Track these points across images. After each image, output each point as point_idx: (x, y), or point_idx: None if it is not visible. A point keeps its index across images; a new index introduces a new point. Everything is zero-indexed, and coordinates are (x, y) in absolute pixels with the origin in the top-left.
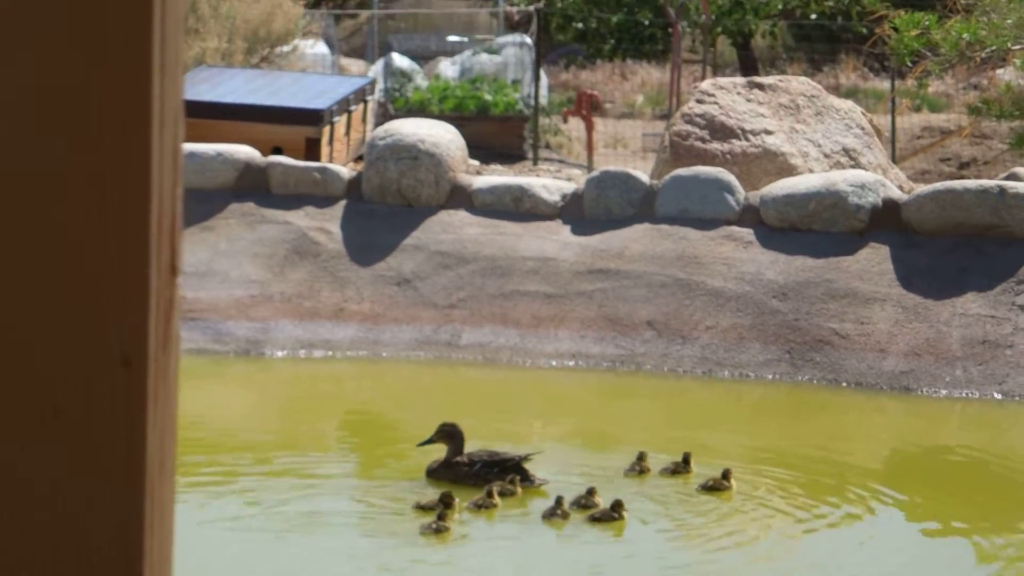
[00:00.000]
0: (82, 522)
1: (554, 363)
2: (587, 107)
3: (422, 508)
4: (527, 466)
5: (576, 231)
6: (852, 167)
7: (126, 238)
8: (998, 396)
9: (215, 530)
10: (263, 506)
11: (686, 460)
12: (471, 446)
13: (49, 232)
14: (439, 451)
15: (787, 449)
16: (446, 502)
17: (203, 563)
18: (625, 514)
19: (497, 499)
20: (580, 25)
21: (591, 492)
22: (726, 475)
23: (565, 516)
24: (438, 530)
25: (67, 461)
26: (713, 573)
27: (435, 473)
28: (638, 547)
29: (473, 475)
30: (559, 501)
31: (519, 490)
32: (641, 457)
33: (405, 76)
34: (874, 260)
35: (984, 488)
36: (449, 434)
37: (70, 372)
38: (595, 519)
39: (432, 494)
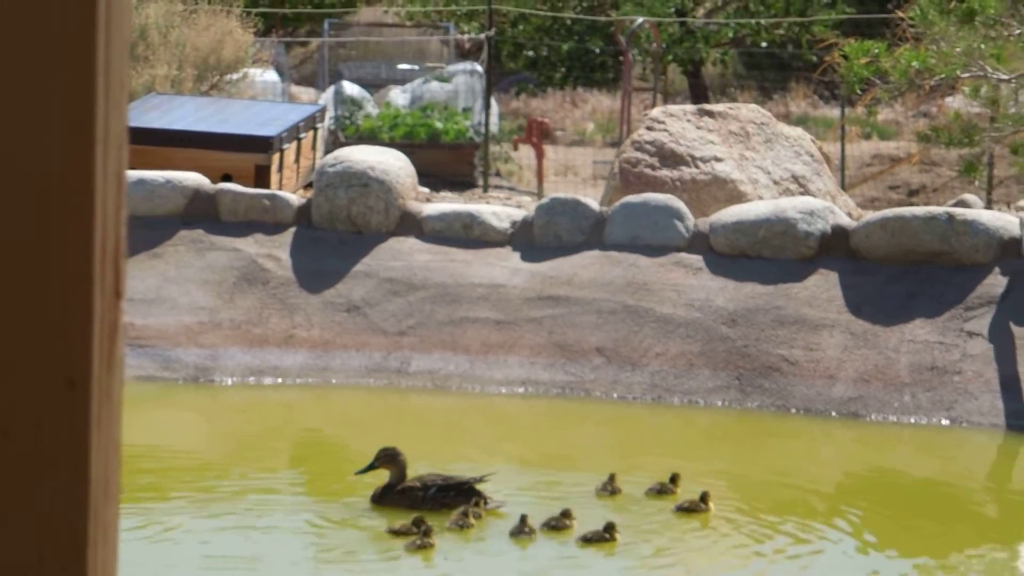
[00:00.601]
0: (26, 542)
1: (504, 390)
2: (537, 135)
3: (396, 533)
4: (482, 488)
5: (526, 258)
6: (801, 194)
7: (70, 261)
8: (946, 422)
9: (165, 553)
10: (215, 530)
11: (673, 480)
12: (420, 470)
13: None
14: (379, 478)
15: (737, 475)
16: (418, 524)
17: None
18: (618, 536)
19: (473, 520)
20: (531, 53)
21: (565, 514)
22: (704, 498)
23: (531, 533)
24: (422, 546)
25: (12, 482)
26: None
27: (385, 499)
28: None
29: (430, 499)
30: (523, 519)
31: (483, 512)
32: (612, 479)
33: (355, 104)
34: (823, 287)
35: (933, 514)
36: (390, 458)
37: (15, 394)
38: (587, 540)
39: (391, 518)
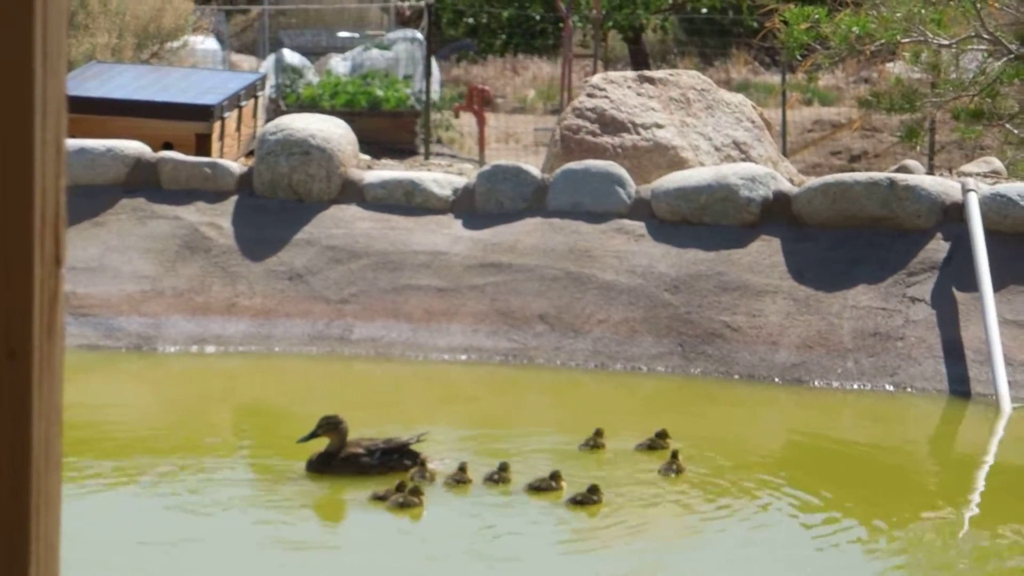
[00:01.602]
0: None
1: (447, 357)
2: (479, 102)
3: (380, 499)
4: (420, 447)
5: (468, 225)
6: (743, 160)
7: (9, 229)
8: (890, 388)
9: (107, 522)
10: (160, 499)
11: (660, 435)
12: (356, 436)
13: None
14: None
15: (680, 441)
16: (402, 486)
17: (97, 557)
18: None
19: (471, 474)
20: (471, 20)
21: (503, 467)
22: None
23: (467, 483)
24: (405, 504)
25: None
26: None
27: (326, 467)
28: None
29: (377, 464)
30: (463, 467)
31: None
32: (598, 433)
33: (296, 72)
34: (765, 253)
35: (877, 479)
36: (332, 426)
37: None
38: (576, 502)
39: (335, 486)
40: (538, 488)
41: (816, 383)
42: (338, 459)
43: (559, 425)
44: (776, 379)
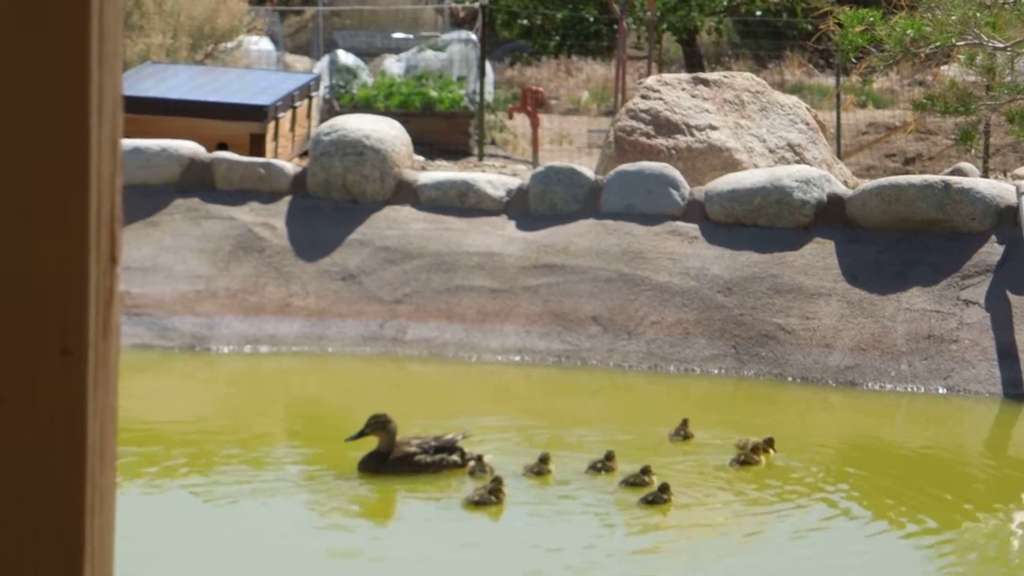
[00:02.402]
0: (23, 509)
1: (500, 358)
2: (532, 103)
3: (476, 504)
4: (464, 445)
5: (521, 226)
6: (797, 162)
7: (65, 228)
8: (943, 391)
9: (161, 521)
10: (212, 499)
11: (684, 424)
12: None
13: None
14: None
15: (734, 443)
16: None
17: (152, 555)
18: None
19: (552, 465)
20: (525, 21)
21: (645, 471)
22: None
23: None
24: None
25: (8, 449)
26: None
27: (381, 468)
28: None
29: (432, 463)
30: (544, 458)
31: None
32: (683, 424)
33: (350, 73)
34: (819, 255)
35: (930, 482)
36: (381, 425)
37: (11, 361)
38: (648, 502)
39: (387, 486)
40: (633, 483)
41: (870, 386)
42: (391, 459)
43: (616, 431)
44: (830, 381)
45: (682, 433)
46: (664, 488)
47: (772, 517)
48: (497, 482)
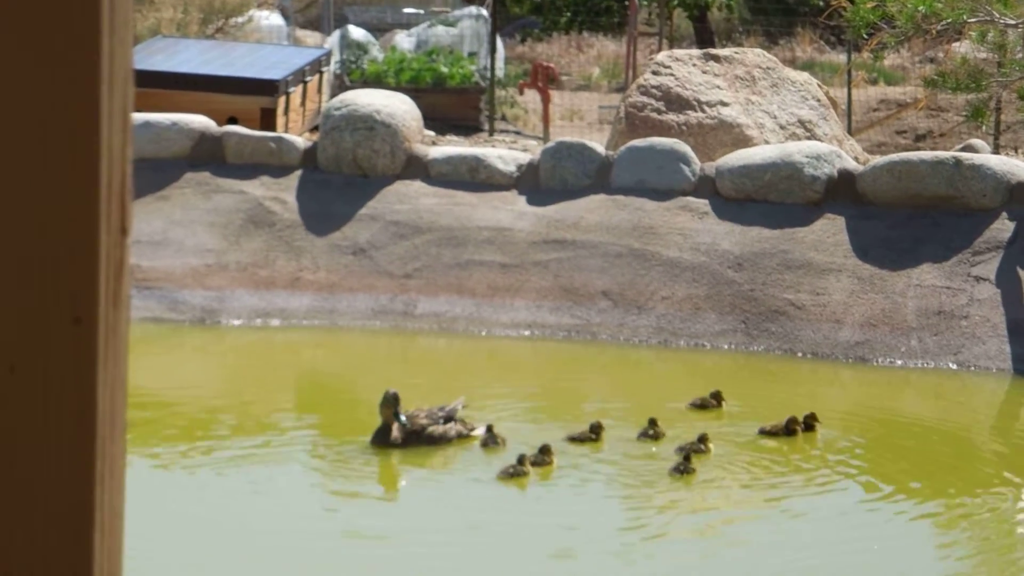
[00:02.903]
0: (33, 477)
1: (510, 332)
2: (543, 79)
3: (512, 475)
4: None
5: (532, 201)
6: (808, 138)
7: (76, 198)
8: (953, 366)
9: (170, 493)
10: (222, 471)
11: (715, 396)
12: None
13: None
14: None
15: (744, 418)
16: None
17: (160, 526)
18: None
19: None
20: None
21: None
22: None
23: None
24: (515, 474)
25: (19, 417)
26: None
27: (405, 441)
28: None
29: (446, 435)
30: (596, 427)
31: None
32: (714, 395)
33: (361, 48)
34: (830, 231)
35: (941, 457)
36: (395, 401)
37: (22, 330)
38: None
39: (404, 457)
40: (690, 450)
41: (880, 361)
42: (410, 433)
43: (625, 412)
44: (840, 357)
45: (651, 432)
46: (688, 456)
47: (782, 492)
48: (546, 451)
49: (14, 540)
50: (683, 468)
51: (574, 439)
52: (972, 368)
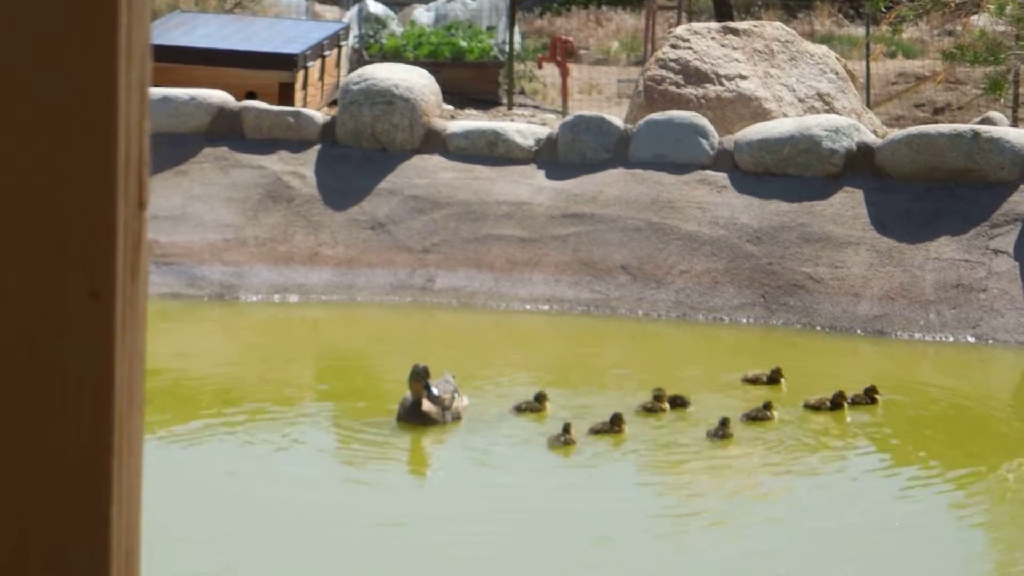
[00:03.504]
0: (51, 451)
1: (528, 307)
2: (562, 53)
3: (565, 441)
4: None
5: (550, 175)
6: (826, 112)
7: (93, 172)
8: (971, 340)
9: (189, 468)
10: (242, 445)
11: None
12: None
13: (16, 165)
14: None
15: (764, 392)
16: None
17: (177, 502)
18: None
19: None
20: None
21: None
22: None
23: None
24: (566, 442)
25: (38, 392)
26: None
27: (416, 417)
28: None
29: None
30: (658, 395)
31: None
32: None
33: (380, 22)
34: (848, 204)
35: (957, 431)
36: (425, 374)
37: (40, 305)
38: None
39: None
40: (754, 417)
41: (898, 335)
42: (440, 408)
43: (645, 379)
44: (858, 331)
45: (616, 428)
46: (725, 422)
47: (800, 467)
48: (617, 420)
49: (32, 514)
50: (721, 433)
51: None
52: (990, 341)
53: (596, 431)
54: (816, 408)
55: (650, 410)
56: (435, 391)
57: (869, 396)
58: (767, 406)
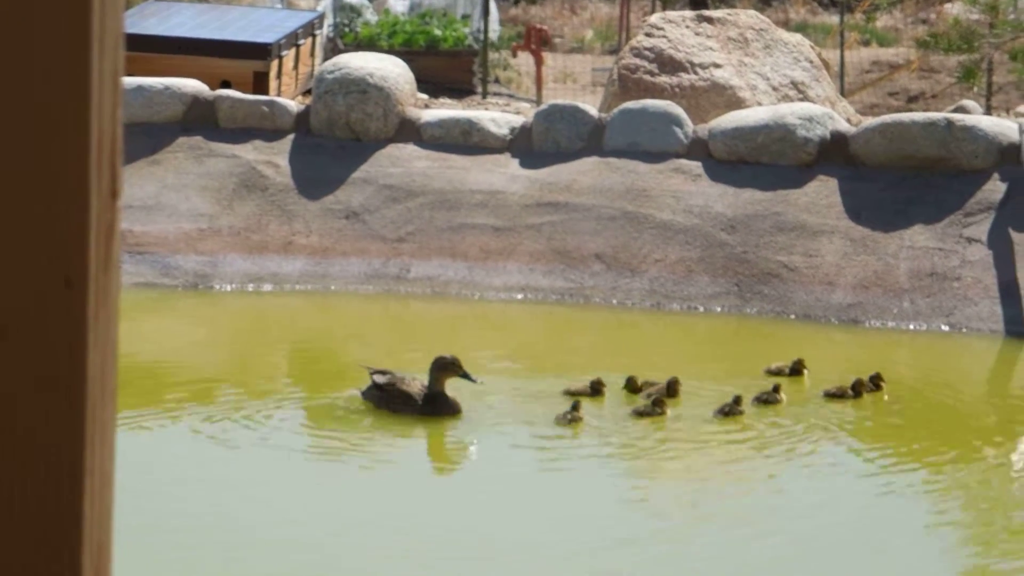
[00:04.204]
0: (23, 440)
1: (503, 296)
2: (536, 42)
3: (640, 414)
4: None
5: (525, 164)
6: (800, 100)
7: (66, 161)
8: (945, 328)
9: (163, 457)
10: (215, 435)
11: (776, 389)
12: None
13: None
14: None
15: (738, 381)
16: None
17: (151, 493)
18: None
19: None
20: None
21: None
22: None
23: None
24: (572, 420)
25: (10, 380)
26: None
27: (439, 407)
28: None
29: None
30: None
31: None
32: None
33: (354, 11)
34: (822, 193)
35: (930, 419)
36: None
37: (13, 293)
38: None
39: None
40: (765, 401)
41: (872, 323)
42: (392, 398)
43: (619, 368)
44: (832, 319)
45: (569, 416)
46: (738, 400)
47: (777, 453)
48: (659, 403)
49: (2, 506)
50: (729, 410)
51: (640, 414)
52: (964, 330)
53: (640, 413)
54: (837, 396)
55: (646, 413)
56: (478, 379)
57: (875, 383)
58: (776, 388)
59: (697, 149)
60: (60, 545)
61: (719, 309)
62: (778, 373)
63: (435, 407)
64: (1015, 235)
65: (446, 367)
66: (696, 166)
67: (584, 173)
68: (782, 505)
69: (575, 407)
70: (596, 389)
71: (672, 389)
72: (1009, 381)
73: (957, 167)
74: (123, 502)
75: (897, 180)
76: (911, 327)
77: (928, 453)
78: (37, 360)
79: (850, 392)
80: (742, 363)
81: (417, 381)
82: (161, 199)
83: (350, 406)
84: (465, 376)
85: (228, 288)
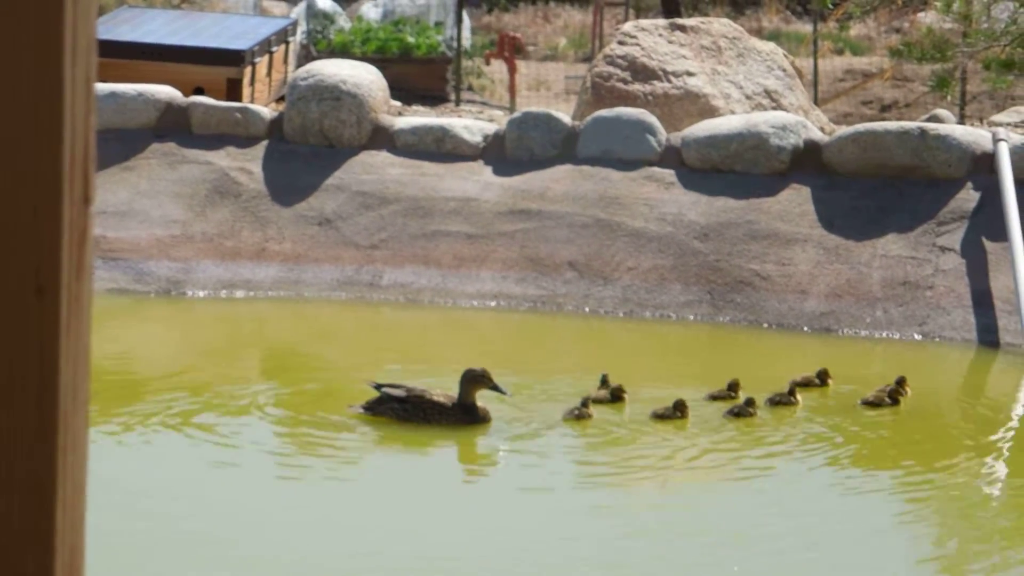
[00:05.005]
0: None
1: (476, 303)
2: (510, 49)
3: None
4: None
5: (498, 172)
6: (774, 109)
7: (39, 167)
8: (918, 337)
9: (136, 465)
10: (189, 443)
11: (731, 387)
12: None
13: None
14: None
15: (710, 389)
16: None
17: (125, 503)
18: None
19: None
20: None
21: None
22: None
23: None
24: (580, 416)
25: None
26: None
27: (474, 416)
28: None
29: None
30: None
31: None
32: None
33: (328, 18)
34: (795, 201)
35: (906, 427)
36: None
37: None
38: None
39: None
40: (778, 402)
41: (845, 332)
42: (421, 409)
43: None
44: (805, 328)
45: (577, 412)
46: (750, 402)
47: (748, 463)
48: (680, 406)
49: None
50: (739, 411)
51: (659, 416)
52: (937, 339)
53: (659, 415)
54: (874, 404)
55: (665, 415)
56: (507, 391)
57: (898, 391)
58: (792, 391)
59: (670, 157)
60: (33, 551)
61: (692, 317)
62: (807, 385)
63: (472, 416)
64: (988, 244)
65: (477, 379)
66: (669, 174)
67: (557, 181)
68: (756, 510)
69: (584, 403)
70: (616, 395)
71: (681, 408)
72: (982, 390)
73: (930, 176)
74: (93, 508)
75: (870, 189)
76: (884, 336)
77: (895, 462)
78: (9, 369)
79: (887, 400)
80: (711, 373)
81: (438, 391)
82: (134, 205)
83: (339, 420)
84: (495, 388)
85: (201, 294)
